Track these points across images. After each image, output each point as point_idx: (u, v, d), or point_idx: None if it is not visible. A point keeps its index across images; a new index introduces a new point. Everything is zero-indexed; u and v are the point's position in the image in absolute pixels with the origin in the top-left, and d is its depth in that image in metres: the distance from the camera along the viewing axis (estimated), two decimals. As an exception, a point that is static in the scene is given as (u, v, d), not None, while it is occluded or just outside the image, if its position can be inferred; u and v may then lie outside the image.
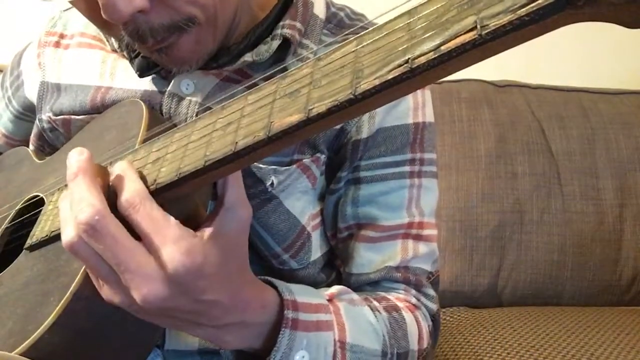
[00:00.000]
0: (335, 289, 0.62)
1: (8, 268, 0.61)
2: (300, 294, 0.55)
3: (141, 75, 0.66)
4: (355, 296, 0.63)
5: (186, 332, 0.49)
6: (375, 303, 0.64)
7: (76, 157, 0.44)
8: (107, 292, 0.45)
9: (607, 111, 1.49)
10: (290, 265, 0.68)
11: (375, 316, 0.62)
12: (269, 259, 0.67)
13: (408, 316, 0.65)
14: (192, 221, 0.49)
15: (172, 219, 0.43)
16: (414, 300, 0.68)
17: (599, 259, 1.39)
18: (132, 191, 0.43)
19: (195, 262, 0.42)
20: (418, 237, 0.70)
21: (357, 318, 0.60)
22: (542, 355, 1.05)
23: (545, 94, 1.52)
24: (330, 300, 0.60)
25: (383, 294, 0.68)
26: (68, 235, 0.43)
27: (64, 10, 0.80)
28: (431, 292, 0.71)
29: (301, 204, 0.67)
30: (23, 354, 0.49)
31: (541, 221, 1.39)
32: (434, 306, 0.70)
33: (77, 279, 0.49)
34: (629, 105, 1.51)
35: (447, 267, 1.37)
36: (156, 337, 0.56)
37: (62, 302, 0.49)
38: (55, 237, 0.55)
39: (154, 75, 0.67)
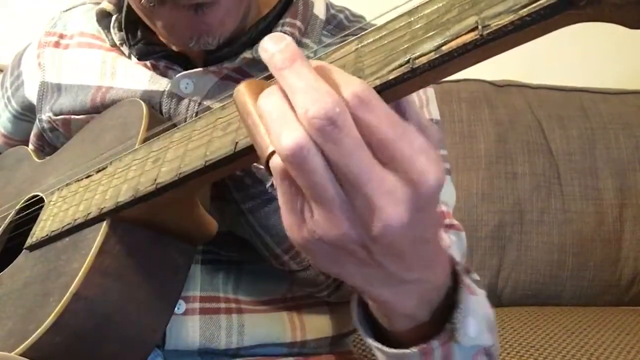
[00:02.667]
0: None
1: (8, 268, 0.61)
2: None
3: (140, 59, 0.65)
4: None
5: (368, 287, 0.38)
6: None
7: (280, 42, 0.33)
8: (321, 223, 0.33)
9: (607, 111, 1.49)
10: (290, 267, 0.68)
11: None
12: (269, 259, 0.67)
13: None
14: (193, 222, 0.49)
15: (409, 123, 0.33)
16: None
17: (599, 259, 1.38)
18: (359, 84, 0.32)
19: (443, 178, 0.32)
20: (450, 226, 0.68)
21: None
22: (542, 355, 1.05)
23: (545, 94, 1.52)
24: None
25: None
26: (294, 135, 0.31)
27: (64, 11, 0.80)
28: (477, 276, 0.68)
29: None
30: (23, 354, 0.49)
31: (541, 221, 1.39)
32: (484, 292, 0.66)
33: (77, 279, 0.49)
34: (629, 105, 1.51)
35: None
36: (156, 337, 0.56)
37: (62, 302, 0.49)
38: (56, 237, 0.55)
39: (153, 74, 0.67)
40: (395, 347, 0.44)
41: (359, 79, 0.33)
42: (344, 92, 0.31)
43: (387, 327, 0.44)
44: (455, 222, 0.70)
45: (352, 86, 0.31)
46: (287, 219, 0.35)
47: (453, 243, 0.67)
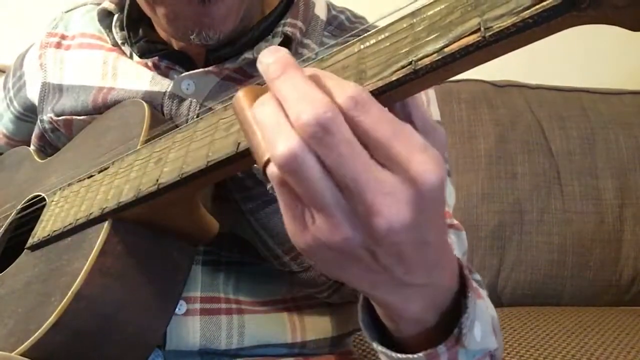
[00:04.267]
0: None
1: (9, 267, 0.61)
2: None
3: (142, 57, 0.66)
4: None
5: (373, 293, 0.38)
6: None
7: (276, 54, 0.34)
8: (322, 229, 0.33)
9: (607, 111, 1.49)
10: (291, 268, 0.68)
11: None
12: (270, 260, 0.67)
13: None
14: (194, 223, 0.49)
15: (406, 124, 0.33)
16: None
17: (599, 259, 1.39)
18: (353, 87, 0.32)
19: (443, 176, 0.32)
20: (450, 226, 0.68)
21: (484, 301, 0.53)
22: (542, 355, 1.05)
23: (545, 94, 1.52)
24: None
25: None
26: (286, 144, 0.31)
27: (65, 12, 0.80)
28: (479, 277, 0.68)
29: None
30: (24, 354, 0.49)
31: (541, 221, 1.39)
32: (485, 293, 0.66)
33: (78, 278, 0.49)
34: (629, 105, 1.51)
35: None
36: (157, 337, 0.56)
37: (64, 302, 0.49)
38: (57, 237, 0.55)
39: (154, 75, 0.67)
40: (401, 352, 0.43)
41: (353, 82, 0.33)
42: (337, 97, 0.31)
43: (393, 331, 0.44)
44: (456, 221, 0.70)
45: (345, 90, 0.32)
46: (290, 226, 0.35)
47: (453, 243, 0.67)
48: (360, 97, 0.31)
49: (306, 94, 0.31)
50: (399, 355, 0.43)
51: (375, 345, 0.44)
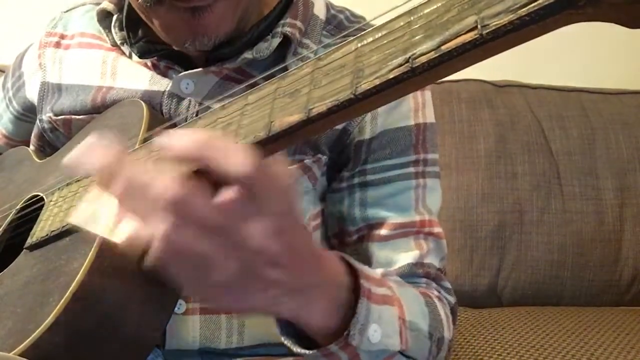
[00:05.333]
0: (379, 270, 0.61)
1: (8, 267, 0.61)
2: (362, 266, 0.52)
3: (141, 57, 0.67)
4: (398, 278, 0.63)
5: (278, 308, 0.44)
6: (413, 288, 0.63)
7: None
8: (224, 271, 0.38)
9: (607, 111, 1.49)
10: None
11: (418, 298, 0.61)
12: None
13: (439, 304, 0.64)
14: None
15: None
16: (436, 293, 0.67)
17: (599, 259, 1.38)
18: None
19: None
20: (430, 234, 0.70)
21: (408, 297, 0.58)
22: (542, 355, 1.05)
23: (545, 94, 1.52)
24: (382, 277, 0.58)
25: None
26: (158, 225, 0.36)
27: (64, 11, 0.81)
28: (448, 284, 0.70)
29: (301, 203, 0.67)
30: (22, 354, 0.49)
31: (541, 221, 1.39)
32: (452, 298, 0.69)
33: (77, 278, 0.49)
34: (629, 105, 1.51)
35: (447, 267, 1.36)
36: (156, 337, 0.56)
37: (62, 302, 0.49)
38: (56, 237, 0.55)
39: (153, 74, 0.67)
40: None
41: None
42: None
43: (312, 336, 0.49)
44: (436, 230, 0.71)
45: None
46: (190, 288, 0.40)
47: (430, 250, 0.69)
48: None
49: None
50: (300, 350, 0.50)
51: (292, 346, 0.50)
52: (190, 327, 0.63)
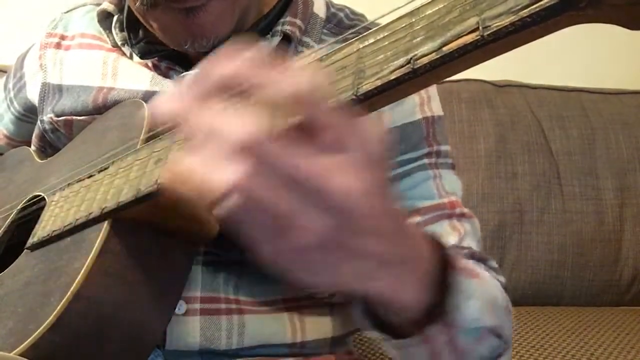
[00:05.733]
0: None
1: (9, 267, 0.61)
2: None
3: (142, 58, 0.66)
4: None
5: (364, 284, 0.38)
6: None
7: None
8: (299, 233, 0.33)
9: (607, 111, 1.49)
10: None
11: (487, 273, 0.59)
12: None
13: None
14: (194, 222, 0.50)
15: None
16: (487, 275, 0.62)
17: (599, 259, 1.38)
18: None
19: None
20: (462, 215, 0.69)
21: (481, 272, 0.56)
22: (542, 355, 1.05)
23: (545, 94, 1.52)
24: None
25: None
26: (235, 170, 0.31)
27: (65, 12, 0.80)
28: (495, 264, 0.66)
29: None
30: (23, 354, 0.49)
31: (541, 221, 1.39)
32: (502, 279, 0.64)
33: (78, 278, 0.49)
34: (629, 105, 1.51)
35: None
36: (157, 337, 0.56)
37: (63, 302, 0.49)
38: (57, 237, 0.55)
39: (155, 75, 0.67)
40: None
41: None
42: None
43: (396, 323, 0.44)
44: (466, 210, 0.70)
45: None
46: (268, 251, 0.34)
47: (468, 232, 0.67)
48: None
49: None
50: (396, 340, 0.45)
51: (376, 334, 0.46)
52: (190, 328, 0.63)
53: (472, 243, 0.67)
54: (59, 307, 0.49)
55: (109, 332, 0.52)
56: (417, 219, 0.67)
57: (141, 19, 0.63)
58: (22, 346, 0.49)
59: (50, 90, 0.75)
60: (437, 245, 0.44)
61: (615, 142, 1.45)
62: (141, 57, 0.67)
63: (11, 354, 0.49)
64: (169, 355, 0.64)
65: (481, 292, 0.48)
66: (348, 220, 0.33)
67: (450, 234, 0.66)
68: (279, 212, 0.32)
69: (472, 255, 0.64)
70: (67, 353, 0.51)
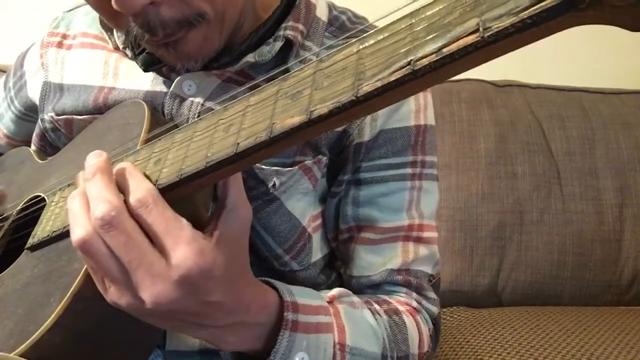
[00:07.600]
0: (335, 291, 0.62)
1: (9, 268, 0.61)
2: (301, 295, 0.55)
3: (145, 70, 0.66)
4: (355, 299, 0.63)
5: (188, 334, 0.49)
6: (376, 306, 0.64)
7: (95, 158, 0.46)
8: (114, 294, 0.44)
9: (607, 111, 1.49)
10: (291, 267, 0.68)
11: (376, 319, 0.62)
12: (270, 260, 0.67)
13: (409, 320, 0.65)
14: (193, 222, 0.49)
15: (183, 219, 0.43)
16: (415, 304, 0.68)
17: (599, 259, 1.39)
18: (143, 190, 0.43)
19: (207, 263, 0.42)
20: (418, 240, 0.70)
21: (357, 321, 0.60)
22: (542, 355, 1.05)
23: (545, 94, 1.52)
24: (330, 302, 0.59)
25: (384, 297, 0.68)
26: (80, 231, 0.42)
27: (67, 11, 0.80)
28: (432, 295, 0.71)
29: (302, 205, 0.67)
30: (23, 355, 0.49)
31: (541, 221, 1.39)
32: (435, 309, 0.70)
33: (78, 279, 0.49)
34: (629, 105, 1.51)
35: (447, 267, 1.37)
36: (157, 337, 0.56)
37: (63, 302, 0.49)
38: (57, 237, 0.55)
39: (156, 75, 0.67)
40: None
41: (149, 183, 0.43)
42: (130, 196, 0.43)
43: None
44: (427, 234, 0.71)
45: (136, 192, 0.42)
46: (97, 287, 0.46)
47: (424, 258, 0.70)
48: (146, 200, 0.42)
49: (103, 195, 0.42)
50: None
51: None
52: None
53: (424, 267, 0.70)
54: (58, 308, 0.49)
55: (108, 333, 0.52)
56: (371, 235, 0.68)
57: None
58: (22, 347, 0.49)
59: (51, 89, 0.75)
60: (280, 307, 0.53)
61: (615, 142, 1.45)
62: (145, 70, 0.66)
63: (11, 355, 0.49)
64: (169, 355, 0.64)
65: (323, 345, 0.55)
66: (152, 310, 0.43)
67: (397, 256, 0.69)
68: (105, 272, 0.44)
69: (407, 283, 0.69)
70: (67, 354, 0.51)
